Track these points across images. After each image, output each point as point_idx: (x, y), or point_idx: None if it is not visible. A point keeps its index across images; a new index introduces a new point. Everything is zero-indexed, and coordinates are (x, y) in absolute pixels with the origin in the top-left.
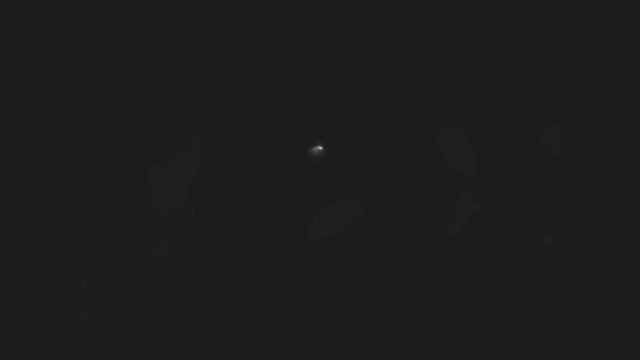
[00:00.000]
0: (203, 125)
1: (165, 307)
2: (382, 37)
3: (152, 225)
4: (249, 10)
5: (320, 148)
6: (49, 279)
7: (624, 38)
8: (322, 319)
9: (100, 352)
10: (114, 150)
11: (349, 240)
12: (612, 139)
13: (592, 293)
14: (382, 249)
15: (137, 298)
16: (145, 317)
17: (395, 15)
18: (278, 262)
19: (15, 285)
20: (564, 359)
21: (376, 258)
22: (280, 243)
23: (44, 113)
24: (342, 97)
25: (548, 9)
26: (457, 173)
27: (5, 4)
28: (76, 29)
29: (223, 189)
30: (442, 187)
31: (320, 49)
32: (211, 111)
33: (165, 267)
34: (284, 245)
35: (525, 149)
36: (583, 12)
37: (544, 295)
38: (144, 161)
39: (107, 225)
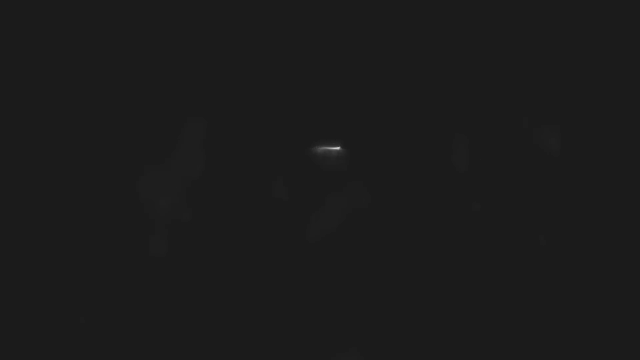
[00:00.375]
0: (202, 123)
1: (166, 306)
2: (382, 38)
3: (151, 225)
4: (259, 4)
5: (337, 149)
6: (47, 279)
7: (624, 41)
8: (320, 315)
9: (99, 351)
10: (112, 149)
11: (347, 239)
12: (612, 140)
13: (591, 292)
14: (381, 247)
15: (137, 298)
16: (146, 317)
17: (397, 18)
18: (278, 259)
19: (15, 286)
20: (563, 356)
21: (375, 256)
22: (281, 241)
23: (43, 112)
24: (340, 94)
25: (549, 11)
26: (456, 172)
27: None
28: (68, 28)
29: (222, 188)
30: (442, 186)
31: (322, 48)
32: (210, 109)
33: (166, 265)
34: (285, 242)
35: (525, 149)
36: (583, 15)
37: (542, 294)
38: (143, 161)
39: (106, 225)
